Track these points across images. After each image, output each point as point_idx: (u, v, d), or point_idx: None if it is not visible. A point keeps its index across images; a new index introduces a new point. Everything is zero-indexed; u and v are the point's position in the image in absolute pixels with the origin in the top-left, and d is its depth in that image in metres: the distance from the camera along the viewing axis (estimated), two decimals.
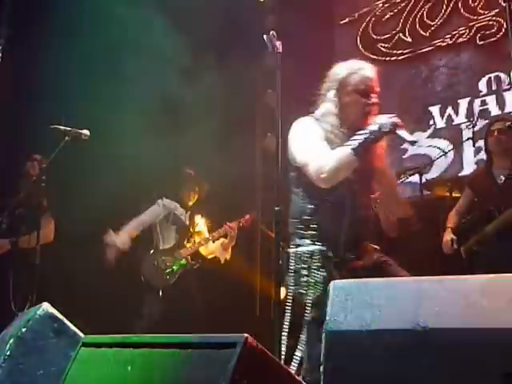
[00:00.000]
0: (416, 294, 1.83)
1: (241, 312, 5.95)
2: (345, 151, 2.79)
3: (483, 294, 1.76)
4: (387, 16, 6.84)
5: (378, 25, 6.89)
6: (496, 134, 4.56)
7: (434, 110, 6.30)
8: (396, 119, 2.82)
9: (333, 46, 7.08)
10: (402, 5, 6.75)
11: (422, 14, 6.60)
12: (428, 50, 6.47)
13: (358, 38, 6.98)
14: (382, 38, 6.83)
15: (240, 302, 6.10)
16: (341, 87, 2.96)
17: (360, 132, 2.80)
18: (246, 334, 1.57)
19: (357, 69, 2.98)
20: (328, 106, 2.99)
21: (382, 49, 6.80)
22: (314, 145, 2.89)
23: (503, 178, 4.52)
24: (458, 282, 1.87)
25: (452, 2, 6.38)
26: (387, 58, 6.72)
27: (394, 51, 6.70)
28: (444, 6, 6.42)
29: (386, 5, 6.86)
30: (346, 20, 7.10)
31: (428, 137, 6.28)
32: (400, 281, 1.96)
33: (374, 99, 2.93)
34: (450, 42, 6.29)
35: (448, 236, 4.65)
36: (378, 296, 1.87)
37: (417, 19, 6.62)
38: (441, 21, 6.42)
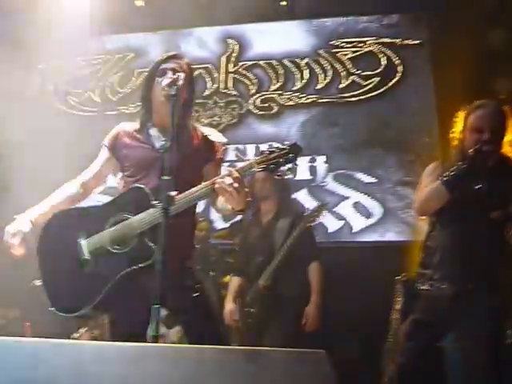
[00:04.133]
0: (33, 356, 1.91)
1: None
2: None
3: (94, 361, 1.91)
4: (83, 73, 7.12)
5: (73, 78, 7.11)
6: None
7: None
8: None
9: (26, 88, 7.06)
10: (98, 67, 7.13)
11: (114, 79, 7.07)
12: (114, 114, 6.85)
13: (52, 86, 7.13)
14: (74, 91, 7.09)
15: None
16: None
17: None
18: None
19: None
20: None
21: (72, 102, 7.06)
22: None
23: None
24: (73, 347, 2.03)
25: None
26: (75, 112, 7.01)
27: (83, 107, 7.02)
28: (134, 78, 6.96)
29: (84, 62, 7.13)
30: (43, 65, 7.15)
31: None
32: (18, 341, 2.01)
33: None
34: (134, 112, 6.76)
35: (228, 306, 4.36)
36: None
37: (108, 83, 7.06)
38: (129, 90, 6.95)
